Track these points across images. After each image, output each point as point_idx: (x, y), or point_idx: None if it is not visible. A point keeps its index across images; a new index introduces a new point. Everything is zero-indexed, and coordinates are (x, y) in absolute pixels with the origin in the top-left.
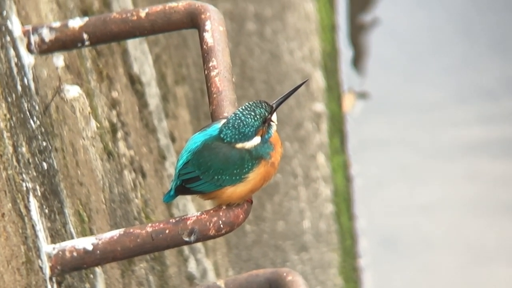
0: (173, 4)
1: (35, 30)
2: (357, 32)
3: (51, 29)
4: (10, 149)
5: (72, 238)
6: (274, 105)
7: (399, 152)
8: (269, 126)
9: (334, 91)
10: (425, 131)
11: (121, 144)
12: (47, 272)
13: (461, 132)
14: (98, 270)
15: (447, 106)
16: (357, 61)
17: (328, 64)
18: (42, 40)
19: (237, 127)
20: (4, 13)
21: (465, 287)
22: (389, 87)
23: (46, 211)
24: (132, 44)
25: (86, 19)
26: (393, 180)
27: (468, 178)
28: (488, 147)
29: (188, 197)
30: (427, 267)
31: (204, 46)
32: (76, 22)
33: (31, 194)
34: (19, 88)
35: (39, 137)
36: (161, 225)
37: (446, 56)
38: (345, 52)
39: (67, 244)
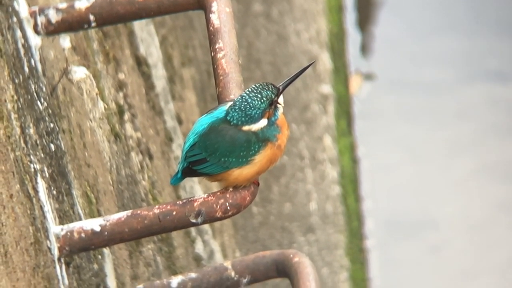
0: None
1: (42, 11)
2: (364, 13)
3: (57, 10)
4: (18, 130)
5: (80, 219)
6: (280, 87)
7: (406, 133)
8: (276, 108)
9: (341, 73)
10: (432, 112)
11: (128, 126)
12: (56, 252)
13: (469, 114)
14: (106, 251)
15: (455, 87)
16: (364, 42)
17: (335, 45)
18: (48, 21)
19: (243, 109)
20: None
21: (472, 268)
22: (396, 69)
23: (54, 192)
24: (139, 26)
25: (92, 0)
26: (399, 161)
27: (475, 159)
28: (496, 129)
29: (195, 179)
30: (433, 248)
31: (211, 28)
32: (82, 3)
33: (39, 175)
34: (26, 69)
35: (47, 118)
36: (168, 207)
37: (454, 37)
38: (352, 33)
39: (75, 225)
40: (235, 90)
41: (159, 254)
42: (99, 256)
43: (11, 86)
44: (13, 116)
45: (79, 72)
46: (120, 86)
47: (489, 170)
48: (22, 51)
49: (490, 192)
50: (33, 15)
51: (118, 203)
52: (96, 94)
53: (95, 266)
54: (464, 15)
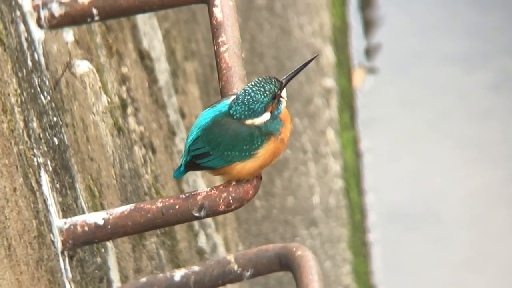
0: None
1: (45, 4)
2: (367, 6)
3: (60, 3)
4: (21, 124)
5: (83, 213)
6: (283, 81)
7: (409, 127)
8: (279, 102)
9: (344, 66)
10: (435, 105)
11: (131, 120)
12: (59, 246)
13: (473, 106)
14: (109, 244)
15: (458, 80)
16: (367, 35)
17: (338, 39)
18: (51, 15)
19: (246, 103)
20: None
21: (475, 261)
22: (399, 62)
23: (57, 186)
24: (142, 19)
25: None
26: (402, 155)
27: (478, 150)
28: (500, 122)
29: (198, 173)
30: (436, 241)
31: (214, 21)
32: None
33: (42, 169)
34: (29, 63)
35: (50, 112)
36: (171, 201)
37: (458, 30)
38: (356, 27)
39: (78, 219)
40: (238, 84)
41: (162, 247)
42: (102, 250)
43: (14, 80)
44: (16, 109)
45: (82, 66)
46: (123, 80)
47: (493, 163)
48: (25, 45)
49: (493, 184)
50: (36, 8)
51: (121, 197)
52: (99, 87)
53: (99, 259)
54: (469, 7)
